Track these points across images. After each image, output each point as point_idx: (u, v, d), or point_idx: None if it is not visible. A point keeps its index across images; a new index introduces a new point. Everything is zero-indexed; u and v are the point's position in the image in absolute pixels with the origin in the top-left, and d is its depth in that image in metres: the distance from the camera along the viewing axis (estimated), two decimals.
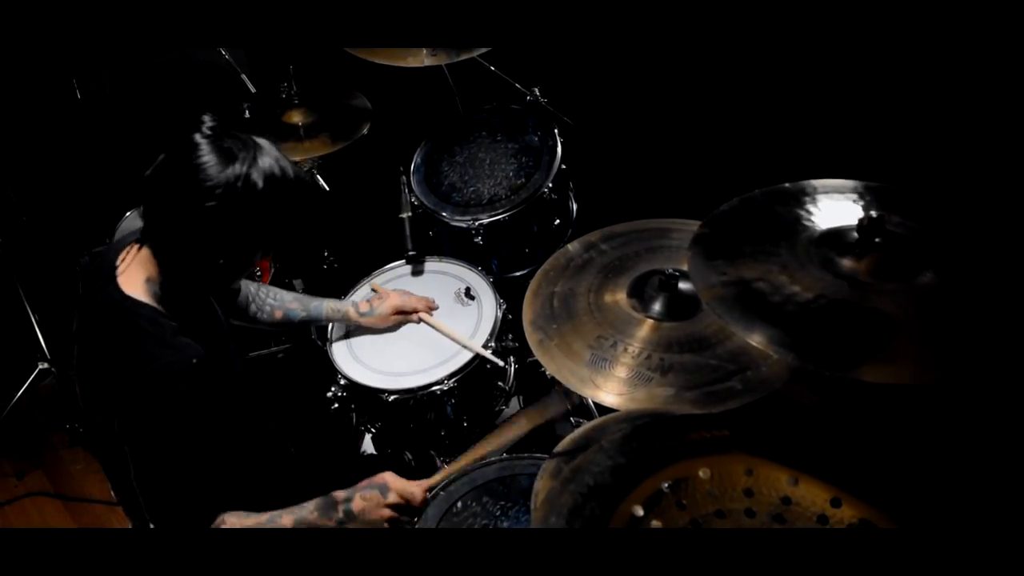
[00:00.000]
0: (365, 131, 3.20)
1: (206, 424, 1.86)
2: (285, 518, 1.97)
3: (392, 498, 2.03)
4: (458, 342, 2.60)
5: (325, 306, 2.63)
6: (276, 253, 2.05)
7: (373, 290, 2.79)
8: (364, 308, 2.68)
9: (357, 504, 2.01)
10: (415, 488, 2.07)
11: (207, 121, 1.81)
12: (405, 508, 2.05)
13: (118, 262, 1.93)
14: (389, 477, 2.06)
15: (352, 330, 2.71)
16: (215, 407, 1.88)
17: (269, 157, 1.83)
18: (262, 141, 1.85)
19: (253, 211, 1.80)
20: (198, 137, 1.78)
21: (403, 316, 2.67)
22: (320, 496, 2.02)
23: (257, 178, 1.78)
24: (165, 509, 1.92)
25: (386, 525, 2.03)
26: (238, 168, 1.76)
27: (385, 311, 2.65)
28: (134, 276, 1.90)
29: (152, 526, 2.03)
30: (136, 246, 1.93)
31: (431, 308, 2.71)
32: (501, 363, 2.59)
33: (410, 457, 2.64)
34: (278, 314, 2.57)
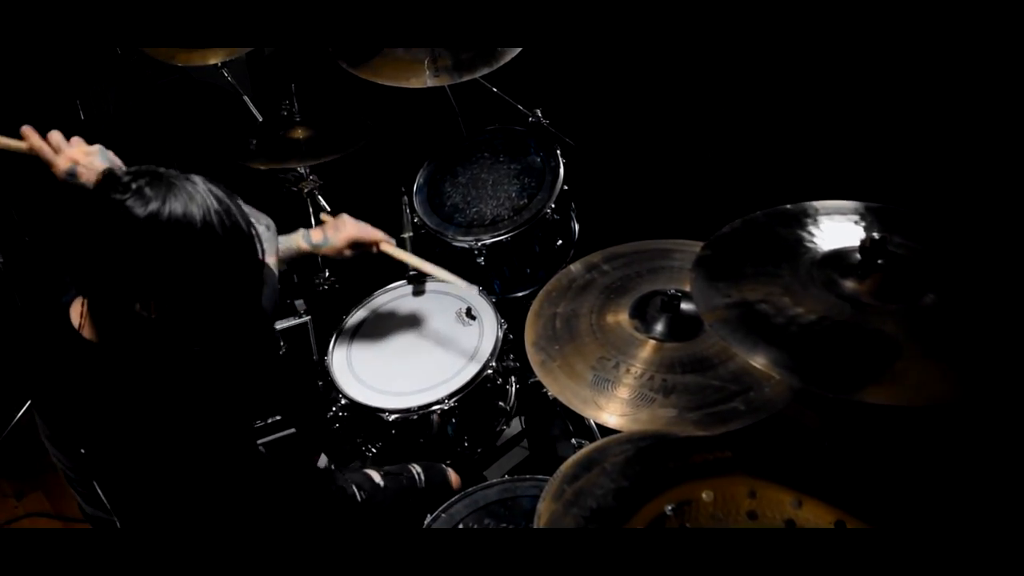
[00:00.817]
0: (368, 151, 3.20)
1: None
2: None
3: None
4: (425, 271, 2.65)
5: (295, 240, 2.45)
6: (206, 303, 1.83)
7: (322, 221, 2.59)
8: (317, 238, 2.48)
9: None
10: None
11: (119, 173, 1.69)
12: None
13: (74, 317, 1.83)
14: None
15: (353, 347, 2.70)
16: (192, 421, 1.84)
17: (182, 200, 1.64)
18: (180, 182, 1.66)
19: (159, 251, 1.64)
20: (113, 184, 1.66)
21: (360, 248, 2.52)
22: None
23: (165, 218, 1.62)
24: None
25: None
26: (151, 207, 1.61)
27: (340, 242, 2.49)
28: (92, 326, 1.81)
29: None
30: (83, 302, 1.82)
31: (389, 242, 2.59)
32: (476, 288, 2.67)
33: (418, 471, 2.63)
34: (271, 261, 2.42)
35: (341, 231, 2.51)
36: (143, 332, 1.72)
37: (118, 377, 1.77)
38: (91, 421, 1.84)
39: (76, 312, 1.82)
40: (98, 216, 1.65)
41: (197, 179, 1.69)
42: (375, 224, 2.57)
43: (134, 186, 1.63)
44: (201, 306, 1.71)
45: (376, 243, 2.56)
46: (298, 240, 2.46)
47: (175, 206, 1.62)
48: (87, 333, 1.79)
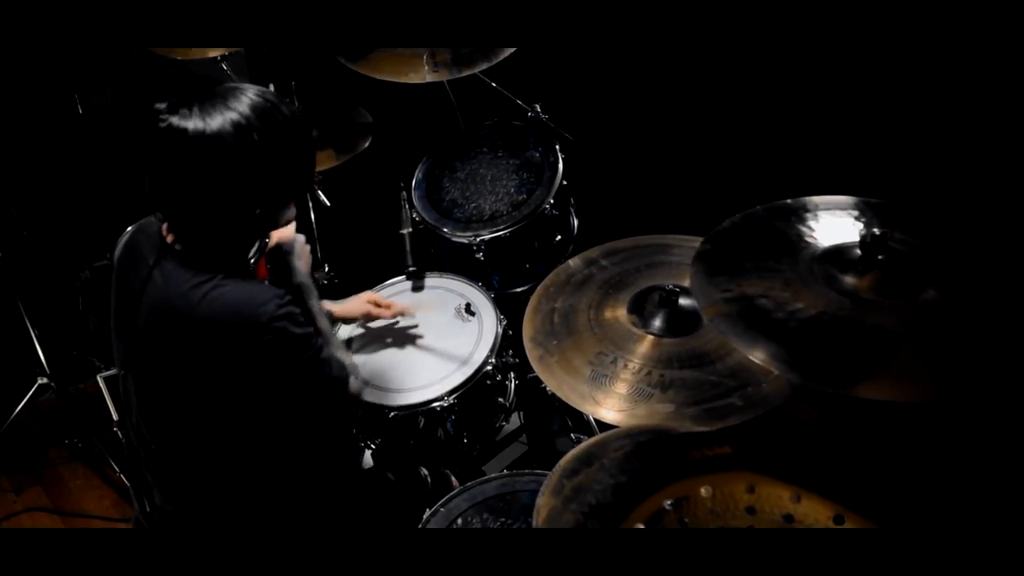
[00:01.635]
0: (366, 146, 3.20)
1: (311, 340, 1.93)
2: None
3: None
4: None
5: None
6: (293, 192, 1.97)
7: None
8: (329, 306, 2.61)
9: None
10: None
11: (159, 106, 1.80)
12: None
13: (167, 236, 1.92)
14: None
15: (352, 344, 2.70)
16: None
17: (236, 103, 1.78)
18: (226, 88, 1.81)
19: (245, 156, 1.77)
20: (162, 122, 1.77)
21: (377, 310, 2.64)
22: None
23: (222, 127, 1.75)
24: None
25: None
26: (209, 122, 1.75)
27: (358, 302, 2.63)
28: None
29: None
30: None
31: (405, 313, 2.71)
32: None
33: (426, 473, 2.63)
34: None
35: (359, 297, 2.65)
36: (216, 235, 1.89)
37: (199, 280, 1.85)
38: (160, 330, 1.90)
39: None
40: (152, 139, 1.78)
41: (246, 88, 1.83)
42: (375, 219, 2.59)
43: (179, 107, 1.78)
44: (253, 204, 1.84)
45: (390, 306, 2.67)
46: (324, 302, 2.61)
47: (211, 122, 1.75)
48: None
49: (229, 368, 1.87)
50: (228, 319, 1.83)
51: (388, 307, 2.66)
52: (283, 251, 2.13)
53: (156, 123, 1.76)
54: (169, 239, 1.91)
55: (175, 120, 1.75)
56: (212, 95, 1.79)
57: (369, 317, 2.67)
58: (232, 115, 1.76)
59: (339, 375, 2.05)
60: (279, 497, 2.09)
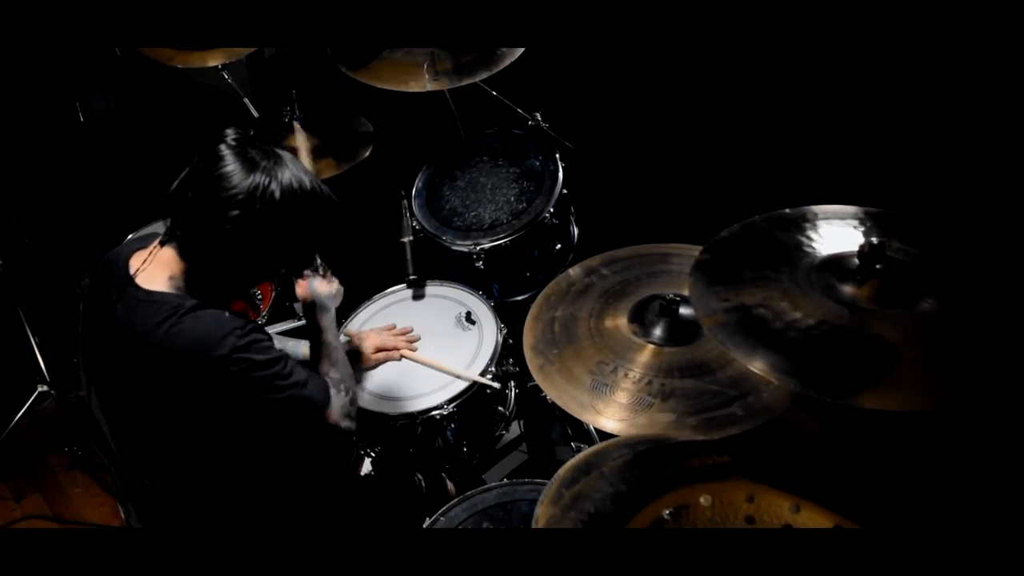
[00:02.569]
0: (367, 154, 3.21)
1: (258, 378, 1.92)
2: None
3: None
4: (448, 373, 2.59)
5: (302, 347, 2.55)
6: (297, 267, 2.10)
7: (347, 336, 2.72)
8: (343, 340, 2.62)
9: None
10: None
11: (231, 133, 1.88)
12: None
13: (132, 267, 1.94)
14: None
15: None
16: (262, 362, 1.93)
17: (290, 170, 1.88)
18: (284, 154, 1.91)
19: (273, 220, 1.85)
20: (223, 148, 1.85)
21: (385, 354, 2.63)
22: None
23: (275, 188, 1.83)
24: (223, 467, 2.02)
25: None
26: (258, 178, 1.82)
27: (367, 350, 2.61)
28: (155, 275, 1.92)
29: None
30: (155, 248, 1.95)
31: (412, 340, 2.70)
32: (498, 386, 2.57)
33: (420, 479, 2.63)
34: None
35: (365, 340, 2.64)
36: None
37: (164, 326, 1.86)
38: (130, 367, 1.92)
39: (137, 261, 1.95)
40: (243, 195, 1.83)
41: (284, 154, 1.93)
42: (375, 228, 2.60)
43: (263, 165, 1.86)
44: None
45: (397, 348, 2.66)
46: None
47: (291, 178, 1.88)
48: (142, 282, 1.91)
49: (195, 398, 1.90)
50: (191, 353, 1.85)
51: (396, 349, 2.65)
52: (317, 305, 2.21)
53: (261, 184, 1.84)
54: (135, 270, 1.93)
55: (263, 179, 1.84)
56: (277, 156, 1.90)
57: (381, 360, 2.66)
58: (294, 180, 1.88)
59: (312, 395, 2.04)
60: (258, 509, 2.11)
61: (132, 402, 1.95)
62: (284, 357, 1.97)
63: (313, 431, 2.11)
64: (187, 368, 1.85)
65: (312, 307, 2.21)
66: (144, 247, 1.98)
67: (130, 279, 1.92)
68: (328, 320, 2.22)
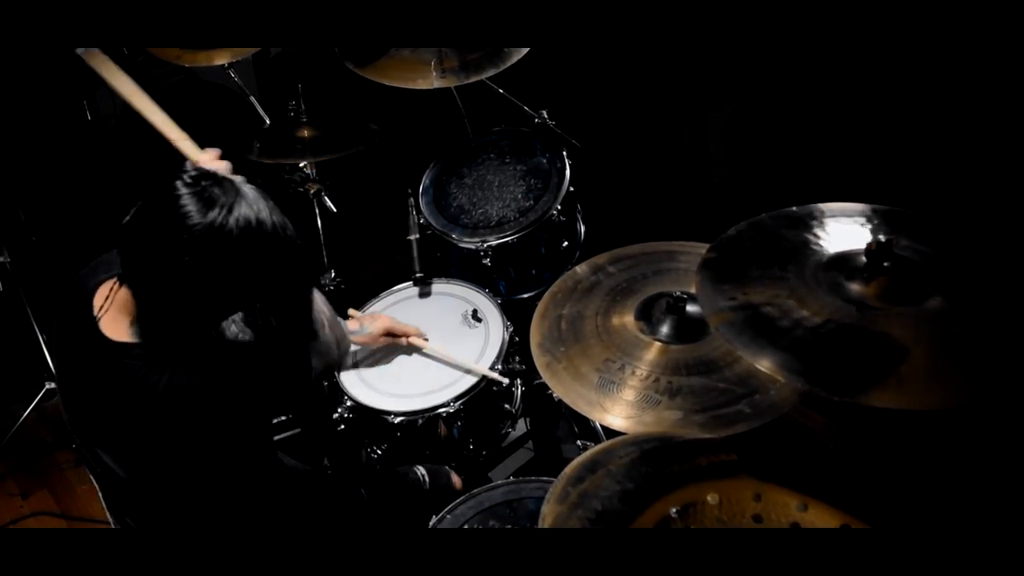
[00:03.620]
0: (368, 144, 3.20)
1: (230, 432, 1.86)
2: None
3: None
4: (457, 366, 2.59)
5: None
6: (264, 309, 1.94)
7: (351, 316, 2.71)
8: (354, 326, 2.59)
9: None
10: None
11: (188, 168, 1.75)
12: None
13: (96, 307, 1.86)
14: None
15: (359, 351, 2.70)
16: (216, 427, 1.86)
17: (249, 207, 1.72)
18: (247, 188, 1.75)
19: (228, 259, 1.71)
20: (177, 184, 1.71)
21: (392, 339, 2.62)
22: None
23: (232, 226, 1.68)
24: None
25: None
26: (213, 215, 1.67)
27: (376, 331, 2.58)
28: (117, 319, 1.84)
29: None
30: (114, 286, 1.85)
31: (421, 337, 2.67)
32: (506, 381, 2.57)
33: (423, 472, 2.63)
34: None
35: (377, 321, 2.60)
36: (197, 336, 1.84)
37: (127, 377, 1.78)
38: (104, 418, 1.87)
39: (100, 298, 1.86)
40: (198, 234, 1.67)
41: (247, 188, 1.75)
42: (382, 225, 2.59)
43: (220, 201, 1.69)
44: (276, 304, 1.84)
45: (407, 335, 2.63)
46: None
47: (249, 215, 1.70)
48: (106, 327, 1.82)
49: (182, 444, 1.84)
50: (177, 410, 1.79)
51: (405, 336, 2.64)
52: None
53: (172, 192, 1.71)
54: (98, 310, 1.85)
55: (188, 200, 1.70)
56: (236, 191, 1.74)
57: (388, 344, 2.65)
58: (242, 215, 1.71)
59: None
60: (260, 510, 2.10)
61: (110, 441, 1.91)
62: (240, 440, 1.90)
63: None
64: (173, 422, 1.80)
65: None
66: (110, 277, 1.88)
67: (93, 322, 1.83)
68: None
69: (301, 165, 3.31)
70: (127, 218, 1.75)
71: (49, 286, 3.67)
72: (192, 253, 1.67)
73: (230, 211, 1.68)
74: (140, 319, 1.82)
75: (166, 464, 1.86)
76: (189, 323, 1.82)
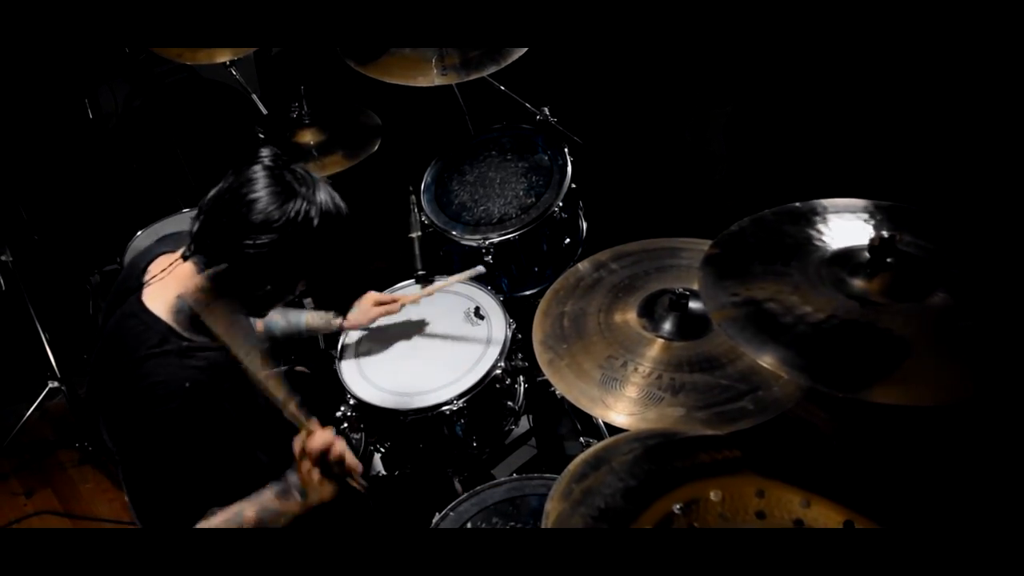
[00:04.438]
0: (376, 148, 3.20)
1: (194, 444, 1.87)
2: (248, 511, 1.93)
3: (301, 453, 1.92)
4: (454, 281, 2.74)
5: (305, 317, 2.63)
6: (318, 282, 2.06)
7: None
8: (351, 317, 2.67)
9: (294, 478, 1.95)
10: (321, 437, 1.93)
11: (267, 153, 1.85)
12: (338, 466, 1.94)
13: (147, 275, 1.94)
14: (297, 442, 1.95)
15: (362, 348, 2.70)
16: (209, 430, 1.88)
17: (324, 193, 1.87)
18: (316, 176, 1.89)
19: (308, 245, 1.84)
20: (258, 169, 1.82)
21: (384, 308, 2.67)
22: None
23: (315, 215, 1.83)
24: (149, 514, 1.95)
25: (332, 490, 1.95)
26: (298, 204, 1.81)
27: (366, 305, 2.65)
28: (163, 290, 1.90)
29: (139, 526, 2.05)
30: (175, 260, 1.93)
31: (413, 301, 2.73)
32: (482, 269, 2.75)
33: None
34: (259, 325, 2.52)
35: (363, 300, 2.67)
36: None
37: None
38: (107, 387, 1.91)
39: (157, 267, 1.95)
40: (281, 223, 1.81)
41: (316, 176, 1.91)
42: (384, 223, 2.60)
43: (301, 191, 1.84)
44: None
45: (395, 299, 2.69)
46: (328, 314, 2.67)
47: (327, 202, 1.87)
48: (149, 296, 1.90)
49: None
50: (135, 399, 1.83)
51: (394, 301, 2.68)
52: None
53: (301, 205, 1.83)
54: (150, 277, 1.92)
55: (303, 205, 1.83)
56: (311, 181, 1.88)
57: (382, 314, 2.68)
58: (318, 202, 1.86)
59: (180, 508, 1.89)
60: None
61: (104, 409, 1.95)
62: (185, 466, 1.87)
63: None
64: (128, 410, 1.85)
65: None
66: (173, 251, 1.97)
67: (140, 287, 1.91)
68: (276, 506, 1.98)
69: None
70: (207, 197, 1.86)
71: (52, 285, 3.69)
72: (275, 239, 1.80)
73: (311, 200, 1.84)
74: (199, 293, 1.90)
75: (151, 453, 1.87)
76: (256, 302, 1.98)
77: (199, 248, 1.88)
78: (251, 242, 1.80)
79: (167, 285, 1.91)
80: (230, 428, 1.94)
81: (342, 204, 1.91)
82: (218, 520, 1.90)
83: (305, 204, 1.82)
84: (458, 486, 2.61)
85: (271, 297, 1.99)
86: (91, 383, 2.05)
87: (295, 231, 1.81)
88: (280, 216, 1.80)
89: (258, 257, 1.81)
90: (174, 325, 1.88)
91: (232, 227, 1.81)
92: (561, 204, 3.02)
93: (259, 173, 1.82)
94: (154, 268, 1.95)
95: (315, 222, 1.83)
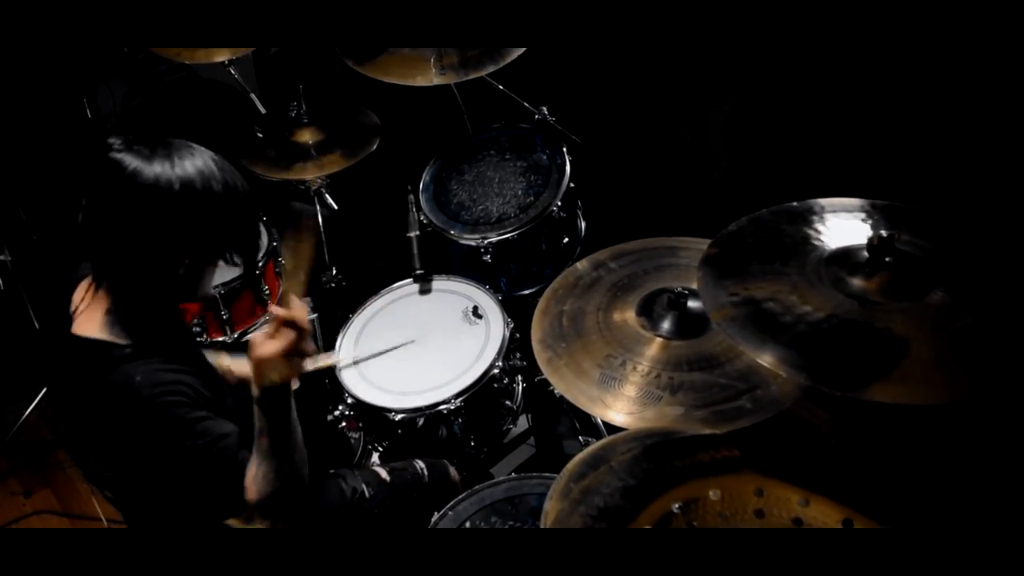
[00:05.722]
0: (375, 147, 3.20)
1: (201, 422, 1.82)
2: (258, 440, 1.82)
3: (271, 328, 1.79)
4: None
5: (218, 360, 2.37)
6: (210, 256, 1.92)
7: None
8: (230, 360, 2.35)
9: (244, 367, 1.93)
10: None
11: (113, 139, 1.81)
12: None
13: (73, 303, 1.92)
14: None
15: (360, 347, 2.70)
16: (204, 410, 1.84)
17: (194, 164, 1.80)
18: (182, 142, 1.83)
19: (173, 212, 1.77)
20: (113, 154, 1.78)
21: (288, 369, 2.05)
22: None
23: (175, 181, 1.76)
24: (198, 502, 1.90)
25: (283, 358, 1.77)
26: (157, 167, 1.76)
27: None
28: (92, 314, 1.87)
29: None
30: (91, 284, 1.91)
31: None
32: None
33: (422, 467, 2.63)
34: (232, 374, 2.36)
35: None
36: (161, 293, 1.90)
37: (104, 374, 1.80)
38: (78, 417, 1.90)
39: (78, 296, 1.92)
40: (148, 186, 1.76)
41: (180, 142, 1.83)
42: (382, 222, 2.58)
43: (160, 153, 1.78)
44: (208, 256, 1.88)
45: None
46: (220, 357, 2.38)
47: (186, 167, 1.78)
48: (80, 325, 1.86)
49: (117, 442, 1.85)
50: (118, 404, 1.79)
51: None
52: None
53: (107, 155, 1.78)
54: (74, 308, 1.89)
55: (128, 158, 1.77)
56: (168, 145, 1.81)
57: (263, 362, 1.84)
58: (181, 169, 1.78)
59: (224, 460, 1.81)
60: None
61: (89, 444, 1.94)
62: (205, 421, 1.81)
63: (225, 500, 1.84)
64: (114, 416, 1.81)
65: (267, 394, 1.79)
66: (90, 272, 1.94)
67: (68, 319, 1.89)
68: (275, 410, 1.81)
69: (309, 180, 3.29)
70: (83, 205, 1.86)
71: (50, 285, 3.68)
72: (146, 205, 1.75)
73: (173, 161, 1.77)
74: (116, 304, 1.85)
75: (139, 463, 1.85)
76: (158, 293, 1.89)
77: (95, 263, 1.88)
78: (130, 215, 1.77)
79: (94, 308, 1.88)
80: (213, 408, 1.90)
81: (220, 177, 1.81)
82: (255, 458, 1.80)
83: (167, 165, 1.76)
84: (453, 472, 2.61)
85: (167, 278, 1.86)
86: (63, 427, 2.03)
87: (158, 196, 1.75)
88: (144, 182, 1.75)
89: (138, 228, 1.78)
90: (115, 340, 1.84)
91: (109, 214, 1.81)
92: (560, 203, 3.02)
93: (114, 157, 1.78)
94: (76, 296, 1.93)
95: (175, 187, 1.75)
